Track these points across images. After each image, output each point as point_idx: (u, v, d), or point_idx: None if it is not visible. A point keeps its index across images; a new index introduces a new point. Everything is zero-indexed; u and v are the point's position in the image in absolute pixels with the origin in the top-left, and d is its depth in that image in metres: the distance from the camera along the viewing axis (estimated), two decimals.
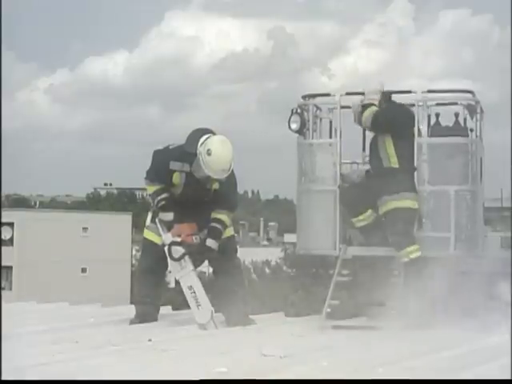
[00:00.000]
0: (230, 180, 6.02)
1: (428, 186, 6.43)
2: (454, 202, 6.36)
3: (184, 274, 5.88)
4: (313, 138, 6.87)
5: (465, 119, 6.61)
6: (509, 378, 3.90)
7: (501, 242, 9.65)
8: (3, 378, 3.71)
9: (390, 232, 6.30)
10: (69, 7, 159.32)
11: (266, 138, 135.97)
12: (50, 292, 18.03)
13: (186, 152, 5.85)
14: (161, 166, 5.99)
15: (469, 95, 6.71)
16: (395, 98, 6.72)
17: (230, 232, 6.21)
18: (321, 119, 6.96)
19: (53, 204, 67.58)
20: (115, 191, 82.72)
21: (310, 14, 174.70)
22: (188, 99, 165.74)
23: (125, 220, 31.89)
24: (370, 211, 6.46)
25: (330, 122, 6.92)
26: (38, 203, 69.15)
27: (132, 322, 5.99)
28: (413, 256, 6.17)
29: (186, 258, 5.88)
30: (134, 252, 32.63)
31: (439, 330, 5.66)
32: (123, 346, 4.76)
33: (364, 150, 6.91)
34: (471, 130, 6.64)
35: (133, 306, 6.59)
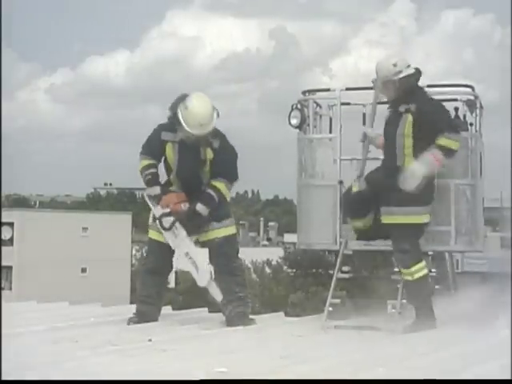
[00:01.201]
0: (226, 149, 5.95)
1: None
2: (454, 195, 6.38)
3: (179, 242, 5.82)
4: (313, 134, 6.90)
5: (464, 115, 6.63)
6: (509, 377, 3.90)
7: (501, 241, 9.66)
8: (3, 378, 3.70)
9: (394, 247, 6.07)
10: (70, 7, 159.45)
11: (266, 137, 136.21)
12: (50, 292, 18.04)
13: (176, 121, 5.82)
14: (154, 137, 6.00)
15: (468, 90, 6.73)
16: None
17: (231, 230, 6.10)
18: (321, 116, 6.98)
19: (53, 204, 67.62)
20: (115, 191, 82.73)
21: (311, 14, 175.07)
22: None
23: (125, 220, 31.94)
24: (370, 216, 6.24)
25: (330, 119, 6.94)
26: (37, 203, 69.16)
27: (130, 321, 5.91)
28: (417, 276, 5.92)
29: (178, 225, 5.81)
30: (133, 252, 32.66)
31: (439, 330, 5.66)
32: (123, 346, 4.76)
33: None
34: (471, 125, 6.66)
35: (133, 305, 6.59)
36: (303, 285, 18.03)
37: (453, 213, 6.37)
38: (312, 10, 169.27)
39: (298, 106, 6.84)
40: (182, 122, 5.75)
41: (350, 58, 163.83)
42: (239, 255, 6.18)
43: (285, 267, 26.22)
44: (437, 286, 6.79)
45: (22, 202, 64.10)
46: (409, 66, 6.04)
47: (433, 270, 6.78)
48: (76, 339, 4.99)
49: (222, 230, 5.99)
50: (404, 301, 6.58)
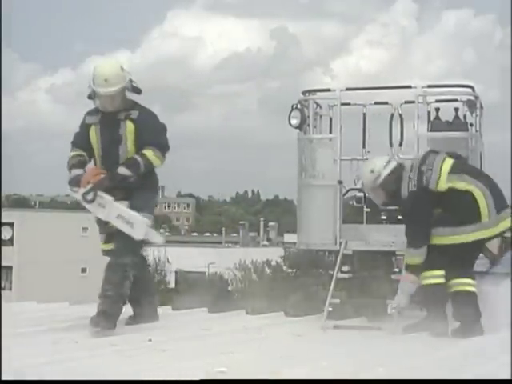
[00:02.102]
0: (147, 118, 5.74)
1: None
2: None
3: (108, 210, 5.56)
4: (313, 134, 6.90)
5: (464, 115, 6.64)
6: (509, 377, 3.90)
7: (500, 241, 9.62)
8: (3, 378, 3.70)
9: None
10: (71, 7, 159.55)
11: (266, 138, 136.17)
12: (50, 292, 18.03)
13: (91, 92, 5.68)
14: (80, 125, 5.87)
15: (468, 90, 6.74)
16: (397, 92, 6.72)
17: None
18: (321, 116, 6.99)
19: (53, 204, 67.60)
20: None
21: (312, 14, 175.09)
22: (190, 99, 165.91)
23: None
24: None
25: (330, 119, 6.95)
26: (37, 203, 69.15)
27: (128, 323, 5.76)
28: (426, 282, 5.77)
29: (101, 194, 5.56)
30: None
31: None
32: (123, 346, 4.76)
33: (364, 146, 6.91)
34: (471, 125, 6.66)
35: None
36: (303, 285, 17.99)
37: None
38: (313, 10, 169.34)
39: (298, 106, 6.85)
40: (92, 85, 5.61)
41: (352, 58, 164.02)
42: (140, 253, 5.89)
43: (285, 267, 26.19)
44: None
45: (22, 202, 64.13)
46: (386, 164, 5.96)
47: None
48: (76, 339, 4.99)
49: None
50: (405, 301, 6.59)
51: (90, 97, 5.73)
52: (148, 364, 4.29)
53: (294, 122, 6.84)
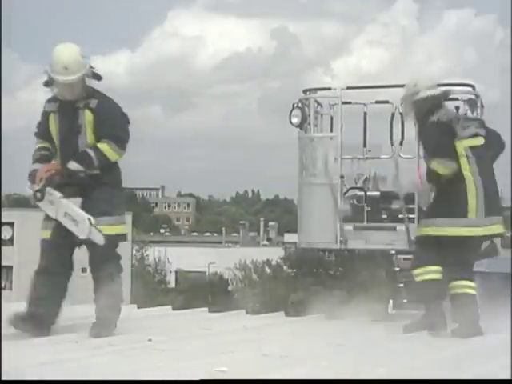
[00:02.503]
0: (106, 108, 5.40)
1: None
2: None
3: (56, 207, 5.26)
4: (314, 133, 6.90)
5: (465, 114, 6.62)
6: (509, 377, 3.89)
7: (501, 242, 9.63)
8: (3, 378, 3.69)
9: None
10: (72, 7, 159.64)
11: (267, 137, 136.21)
12: None
13: (49, 78, 5.38)
14: (41, 115, 5.54)
15: (469, 89, 6.73)
16: (398, 91, 6.70)
17: (120, 229, 5.47)
18: (322, 115, 6.99)
19: None
20: None
21: (313, 14, 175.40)
22: (190, 99, 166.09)
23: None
24: None
25: (331, 118, 6.94)
26: None
27: (16, 326, 5.17)
28: (419, 279, 5.76)
29: (50, 191, 5.26)
30: (133, 252, 32.69)
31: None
32: (123, 346, 4.75)
33: (365, 145, 6.90)
34: None
35: (133, 305, 6.60)
36: (303, 284, 17.98)
37: None
38: (314, 9, 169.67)
39: (299, 105, 6.85)
40: (50, 72, 5.31)
41: (352, 57, 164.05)
42: (120, 262, 5.53)
43: (285, 267, 26.22)
44: None
45: (21, 202, 64.07)
46: (430, 87, 5.92)
47: None
48: (76, 339, 4.98)
49: (102, 228, 5.25)
50: (405, 300, 6.59)
51: (46, 84, 5.42)
52: (148, 364, 4.29)
53: (295, 120, 6.84)
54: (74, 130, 5.35)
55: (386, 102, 6.79)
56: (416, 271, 5.77)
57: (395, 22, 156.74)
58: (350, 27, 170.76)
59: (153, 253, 39.00)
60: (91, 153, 5.28)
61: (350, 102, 6.79)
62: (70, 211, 5.23)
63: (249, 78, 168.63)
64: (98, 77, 5.47)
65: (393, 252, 6.79)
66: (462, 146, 5.75)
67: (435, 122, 5.82)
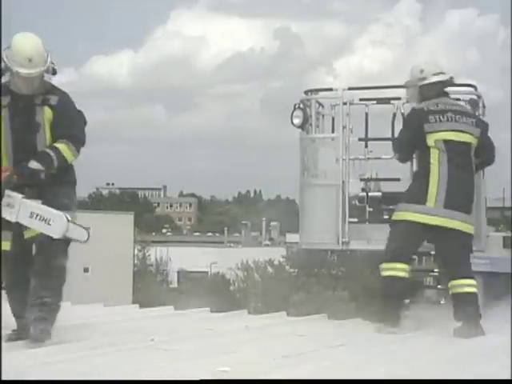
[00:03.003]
0: (67, 106, 5.10)
1: None
2: None
3: (17, 209, 4.89)
4: (315, 133, 6.90)
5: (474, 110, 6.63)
6: (509, 378, 3.89)
7: (503, 241, 9.63)
8: (3, 378, 3.69)
9: None
10: (74, 6, 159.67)
11: (269, 137, 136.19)
12: None
13: (5, 69, 4.95)
14: None
15: (471, 89, 6.73)
16: (399, 92, 6.73)
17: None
18: (323, 115, 6.99)
19: None
20: (117, 191, 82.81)
21: (315, 14, 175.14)
22: (193, 98, 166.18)
23: (127, 220, 31.91)
24: None
25: (333, 118, 6.95)
26: None
27: (9, 339, 4.91)
28: (384, 274, 5.85)
29: (9, 192, 4.90)
30: (135, 252, 32.66)
31: (441, 330, 5.66)
32: (125, 346, 4.75)
33: (366, 145, 6.91)
34: None
35: (135, 305, 6.60)
36: (305, 285, 18.00)
37: None
38: (316, 9, 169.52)
39: (301, 106, 6.85)
40: (9, 64, 4.89)
41: (355, 57, 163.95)
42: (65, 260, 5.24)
43: (287, 267, 26.19)
44: (439, 286, 6.79)
45: None
46: (437, 73, 6.01)
47: (435, 270, 6.78)
48: (78, 339, 4.98)
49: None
50: (407, 301, 6.59)
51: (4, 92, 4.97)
52: (150, 364, 4.29)
53: (297, 121, 6.84)
54: (32, 127, 5.00)
55: (388, 102, 6.80)
56: (383, 266, 5.85)
57: (398, 21, 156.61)
58: (353, 27, 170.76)
59: (155, 253, 38.94)
60: (51, 153, 4.97)
61: (351, 103, 6.78)
62: (40, 211, 4.89)
63: (251, 78, 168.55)
64: (55, 71, 5.07)
65: None
66: (433, 138, 5.84)
67: (417, 109, 5.97)
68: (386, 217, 6.87)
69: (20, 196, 4.92)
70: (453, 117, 5.92)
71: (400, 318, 5.76)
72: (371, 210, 7.00)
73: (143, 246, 38.42)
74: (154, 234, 62.79)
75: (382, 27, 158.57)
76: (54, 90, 5.09)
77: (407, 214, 5.82)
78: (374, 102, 6.84)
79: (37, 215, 4.87)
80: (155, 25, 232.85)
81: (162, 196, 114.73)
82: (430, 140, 5.84)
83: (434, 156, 5.80)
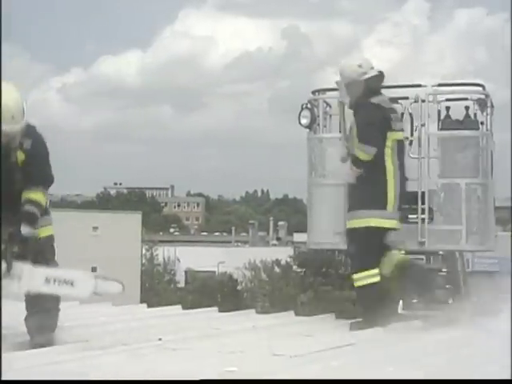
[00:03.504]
0: (39, 148, 4.96)
1: (439, 179, 6.45)
2: (465, 195, 6.37)
3: (30, 281, 4.66)
4: (323, 133, 6.90)
5: (475, 114, 6.62)
6: (509, 378, 3.88)
7: (511, 240, 9.61)
8: (3, 378, 3.68)
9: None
10: (82, 7, 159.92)
11: (276, 137, 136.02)
12: None
13: None
14: None
15: (479, 89, 6.72)
16: (407, 91, 6.71)
17: (48, 231, 5.10)
18: (330, 115, 6.98)
19: (62, 203, 67.81)
20: (125, 190, 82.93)
21: (323, 14, 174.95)
22: (201, 98, 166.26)
23: (134, 219, 31.85)
24: None
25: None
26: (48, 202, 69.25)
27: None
28: (359, 284, 5.90)
29: (13, 265, 4.65)
30: (143, 251, 32.69)
31: (447, 331, 5.65)
32: (133, 345, 4.76)
33: None
34: (482, 124, 6.65)
35: (144, 304, 6.61)
36: (313, 284, 17.97)
37: (464, 212, 6.36)
38: (324, 9, 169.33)
39: (308, 106, 6.85)
40: None
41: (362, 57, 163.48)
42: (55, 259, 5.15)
43: (294, 267, 26.18)
44: (447, 286, 6.78)
45: None
46: (372, 67, 6.06)
47: (443, 270, 6.77)
48: (86, 338, 4.99)
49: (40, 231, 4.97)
50: (415, 300, 6.58)
51: None
52: (158, 363, 4.29)
53: (304, 121, 6.84)
54: (9, 171, 4.82)
55: (396, 101, 6.78)
56: (356, 275, 5.89)
57: (406, 21, 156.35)
58: (361, 27, 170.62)
59: (162, 252, 38.97)
60: (35, 210, 4.86)
61: None
62: (57, 274, 4.69)
63: (259, 78, 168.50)
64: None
65: (402, 252, 6.78)
66: (392, 137, 5.90)
67: (376, 104, 5.95)
68: None
69: (27, 265, 4.68)
70: (398, 116, 6.02)
71: (391, 317, 5.79)
72: None
73: (151, 245, 38.44)
74: (161, 233, 62.85)
75: (389, 27, 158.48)
76: (28, 130, 4.94)
77: (372, 220, 5.83)
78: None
79: (54, 279, 4.66)
80: (163, 25, 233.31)
81: (170, 196, 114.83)
82: (389, 140, 5.88)
83: (389, 158, 5.85)
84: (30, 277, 4.64)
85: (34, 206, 4.89)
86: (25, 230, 4.80)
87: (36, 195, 4.91)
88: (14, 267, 4.63)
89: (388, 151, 5.86)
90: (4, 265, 4.58)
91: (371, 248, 5.84)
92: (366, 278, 5.84)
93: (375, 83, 6.00)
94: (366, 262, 5.87)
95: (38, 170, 4.95)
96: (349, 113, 6.18)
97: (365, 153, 5.83)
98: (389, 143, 5.87)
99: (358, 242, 5.88)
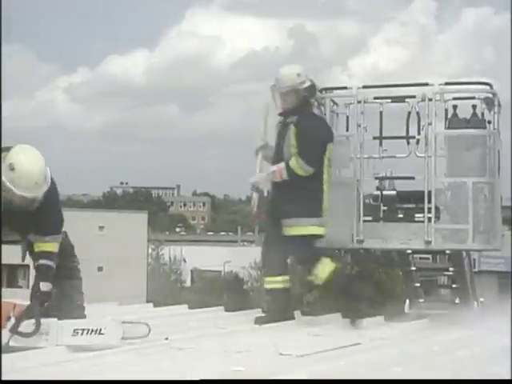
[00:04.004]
0: (53, 199, 4.96)
1: (446, 178, 6.44)
2: (471, 194, 6.35)
3: (57, 335, 4.61)
4: None
5: (482, 113, 6.60)
6: (509, 378, 3.86)
7: (511, 240, 9.59)
8: (3, 378, 3.67)
9: None
10: (89, 6, 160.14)
11: None
12: None
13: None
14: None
15: (486, 88, 6.69)
16: (413, 90, 6.70)
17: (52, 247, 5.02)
18: (337, 114, 6.97)
19: (69, 203, 67.96)
20: (131, 190, 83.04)
21: (330, 13, 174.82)
22: (207, 98, 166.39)
23: (140, 219, 31.98)
24: None
25: (347, 117, 6.93)
26: None
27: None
28: (268, 287, 6.09)
29: (40, 321, 4.61)
30: (149, 251, 32.73)
31: (453, 331, 5.63)
32: (140, 345, 4.75)
33: (381, 144, 6.88)
34: (489, 123, 6.63)
35: (150, 304, 6.61)
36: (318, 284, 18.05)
37: (470, 211, 6.34)
38: (331, 8, 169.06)
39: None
40: (13, 188, 4.59)
41: (370, 56, 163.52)
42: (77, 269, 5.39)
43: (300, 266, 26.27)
44: (454, 285, 6.76)
45: None
46: (307, 77, 6.06)
47: (450, 269, 6.75)
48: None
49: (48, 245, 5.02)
50: (422, 300, 6.57)
51: None
52: (164, 363, 4.29)
53: None
54: (27, 219, 4.83)
55: (403, 100, 6.77)
56: (266, 279, 6.12)
57: (413, 20, 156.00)
58: (368, 26, 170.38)
59: (168, 252, 39.03)
60: (49, 262, 4.94)
61: (365, 101, 6.76)
62: (84, 325, 4.68)
63: (266, 78, 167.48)
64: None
65: (409, 251, 6.77)
66: (330, 148, 5.97)
67: (319, 117, 6.08)
68: (400, 215, 6.86)
69: (54, 320, 4.71)
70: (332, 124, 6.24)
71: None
72: (386, 208, 6.98)
73: (157, 245, 38.52)
74: (167, 233, 62.92)
75: (396, 26, 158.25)
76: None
77: (312, 228, 5.90)
78: (389, 100, 6.82)
79: (82, 330, 4.65)
80: (170, 24, 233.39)
81: (176, 195, 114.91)
82: (328, 151, 5.97)
83: (326, 168, 5.93)
84: (58, 331, 4.64)
85: (49, 259, 4.96)
86: (43, 286, 4.87)
87: (49, 247, 4.97)
88: (38, 325, 4.61)
89: (326, 162, 5.93)
90: (33, 322, 4.59)
91: (308, 252, 5.92)
92: (273, 283, 6.05)
93: (313, 93, 6.02)
94: (276, 268, 6.03)
95: (51, 219, 4.99)
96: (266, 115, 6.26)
97: (303, 170, 5.85)
98: (328, 154, 5.94)
99: (299, 248, 5.91)
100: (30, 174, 4.68)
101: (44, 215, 4.88)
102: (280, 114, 6.10)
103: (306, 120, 5.93)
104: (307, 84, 5.97)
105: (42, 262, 4.94)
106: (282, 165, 5.87)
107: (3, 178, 4.61)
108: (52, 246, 4.97)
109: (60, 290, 5.08)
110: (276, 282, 6.05)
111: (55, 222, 5.04)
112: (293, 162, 5.83)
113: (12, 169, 4.61)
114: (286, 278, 6.07)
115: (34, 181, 4.69)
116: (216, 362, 4.27)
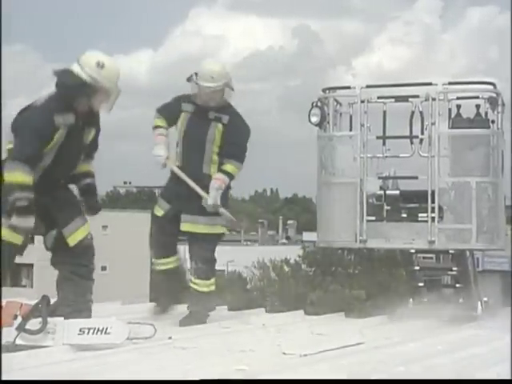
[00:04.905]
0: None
1: (449, 178, 6.43)
2: (475, 193, 6.34)
3: (63, 334, 4.63)
4: (333, 131, 6.89)
5: (486, 112, 6.60)
6: (509, 378, 3.86)
7: (511, 240, 9.59)
8: (3, 378, 3.67)
9: (195, 256, 6.14)
10: (94, 6, 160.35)
11: (286, 135, 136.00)
12: None
13: (70, 94, 4.86)
14: (42, 127, 4.76)
15: (490, 87, 6.69)
16: (417, 90, 6.70)
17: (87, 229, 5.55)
18: (341, 114, 6.98)
19: None
20: (134, 189, 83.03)
21: (334, 12, 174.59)
22: None
23: (144, 218, 31.84)
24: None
25: (350, 117, 6.93)
26: None
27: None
28: (212, 288, 6.10)
29: (47, 320, 4.62)
30: None
31: (458, 331, 5.63)
32: (143, 344, 4.76)
33: (384, 143, 6.88)
34: (493, 122, 6.62)
35: (153, 303, 6.61)
36: (322, 283, 18.01)
37: (474, 211, 6.34)
38: (335, 7, 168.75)
39: (319, 104, 6.84)
40: (105, 84, 4.88)
41: (374, 56, 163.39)
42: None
43: (303, 265, 26.24)
44: (458, 285, 6.76)
45: None
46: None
47: (453, 269, 6.75)
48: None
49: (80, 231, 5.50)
50: (425, 299, 6.56)
51: (66, 108, 4.89)
52: (168, 362, 4.29)
53: (314, 119, 6.83)
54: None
55: (406, 100, 6.77)
56: (212, 280, 6.11)
57: (418, 19, 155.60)
58: (372, 25, 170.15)
59: None
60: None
61: (369, 101, 6.76)
62: (90, 324, 4.69)
63: (270, 77, 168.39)
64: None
65: (412, 251, 6.77)
66: None
67: (240, 114, 5.92)
68: (404, 215, 6.85)
69: (60, 319, 4.70)
70: None
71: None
72: (389, 208, 6.98)
73: None
74: None
75: (401, 25, 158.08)
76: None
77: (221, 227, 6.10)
78: (392, 99, 6.81)
79: (88, 329, 4.65)
80: (174, 24, 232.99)
81: None
82: None
83: None
84: (64, 330, 4.64)
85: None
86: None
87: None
88: (47, 322, 4.62)
89: None
90: (39, 321, 4.60)
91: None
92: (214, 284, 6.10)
93: (232, 90, 5.90)
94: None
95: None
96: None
97: (238, 170, 5.85)
98: None
99: (214, 248, 6.06)
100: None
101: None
102: (196, 110, 5.92)
103: (235, 120, 5.84)
104: (231, 81, 5.87)
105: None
106: (221, 175, 5.77)
107: (96, 79, 4.84)
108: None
109: (77, 290, 5.12)
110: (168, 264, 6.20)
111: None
112: (231, 168, 5.79)
113: (102, 66, 4.89)
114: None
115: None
116: (219, 361, 4.28)
